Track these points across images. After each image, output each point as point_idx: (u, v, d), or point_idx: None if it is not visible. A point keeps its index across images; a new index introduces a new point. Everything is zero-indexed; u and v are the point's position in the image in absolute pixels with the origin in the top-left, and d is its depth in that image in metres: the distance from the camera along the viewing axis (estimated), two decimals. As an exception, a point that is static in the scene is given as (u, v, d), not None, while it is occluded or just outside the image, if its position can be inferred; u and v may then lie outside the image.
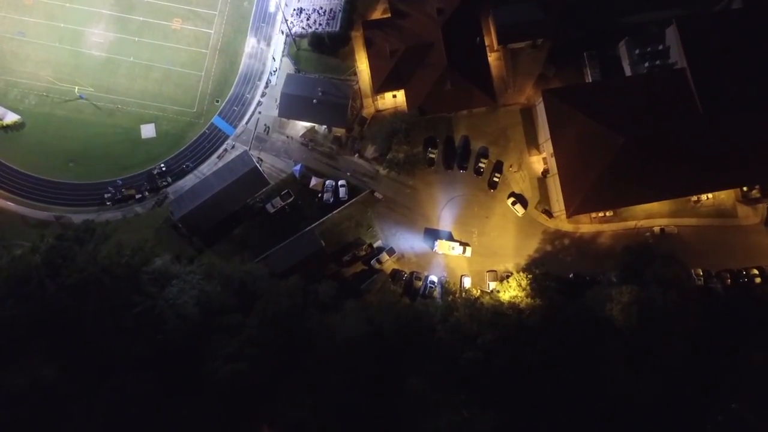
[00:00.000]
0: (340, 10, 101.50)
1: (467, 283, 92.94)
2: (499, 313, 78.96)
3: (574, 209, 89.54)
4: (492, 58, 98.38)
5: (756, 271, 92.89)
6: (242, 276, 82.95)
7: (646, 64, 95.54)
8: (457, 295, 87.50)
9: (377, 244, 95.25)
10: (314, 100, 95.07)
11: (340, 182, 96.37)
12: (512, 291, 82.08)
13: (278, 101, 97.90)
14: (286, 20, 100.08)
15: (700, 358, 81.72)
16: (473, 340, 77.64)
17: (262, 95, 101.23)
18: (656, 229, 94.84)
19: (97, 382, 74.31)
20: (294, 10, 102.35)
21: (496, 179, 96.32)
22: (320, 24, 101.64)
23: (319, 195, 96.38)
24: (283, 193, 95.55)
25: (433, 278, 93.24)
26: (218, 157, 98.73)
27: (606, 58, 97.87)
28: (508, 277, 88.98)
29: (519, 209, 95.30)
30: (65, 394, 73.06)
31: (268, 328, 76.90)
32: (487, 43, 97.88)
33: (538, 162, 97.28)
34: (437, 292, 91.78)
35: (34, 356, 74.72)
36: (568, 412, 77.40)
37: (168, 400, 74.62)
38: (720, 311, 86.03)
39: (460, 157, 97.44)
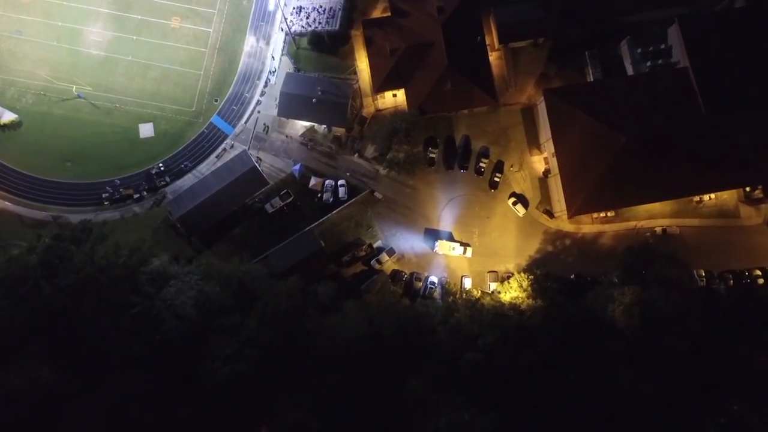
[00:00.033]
0: (339, 9, 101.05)
1: (468, 283, 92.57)
2: (500, 314, 78.56)
3: (575, 209, 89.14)
4: (493, 57, 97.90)
5: (758, 272, 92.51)
6: (241, 276, 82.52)
7: (648, 64, 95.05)
8: (457, 296, 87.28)
9: (377, 244, 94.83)
10: (314, 100, 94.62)
11: (340, 182, 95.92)
12: (513, 292, 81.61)
13: (277, 100, 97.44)
14: (286, 19, 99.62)
15: (702, 359, 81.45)
16: (474, 341, 77.27)
17: (262, 94, 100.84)
18: (658, 229, 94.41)
19: (95, 382, 74.02)
20: (293, 8, 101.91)
21: (497, 179, 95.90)
22: (320, 22, 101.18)
23: (319, 195, 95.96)
24: (282, 192, 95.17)
25: (434, 279, 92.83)
26: (217, 157, 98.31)
27: (608, 58, 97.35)
28: (509, 277, 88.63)
29: (520, 209, 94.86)
30: (63, 394, 72.73)
31: (267, 329, 76.52)
32: (487, 42, 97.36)
33: (539, 162, 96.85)
34: (437, 293, 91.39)
35: (32, 357, 74.17)
36: (569, 414, 77.08)
37: (167, 400, 74.42)
38: (722, 312, 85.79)
39: (460, 157, 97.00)
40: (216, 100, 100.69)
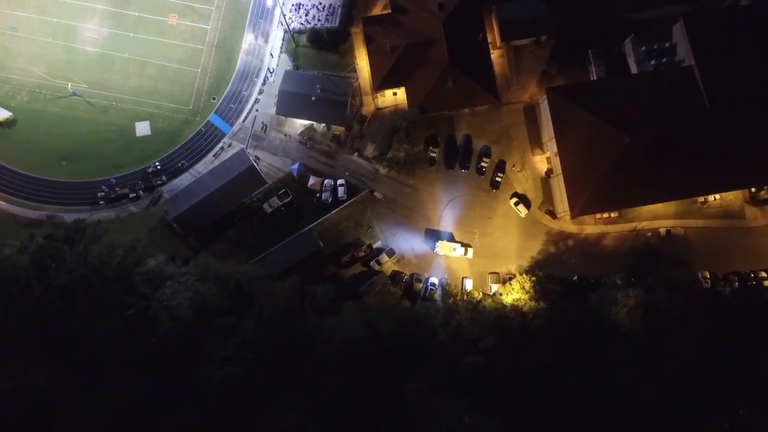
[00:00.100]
0: (339, 6, 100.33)
1: (469, 285, 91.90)
2: (502, 317, 77.74)
3: (578, 210, 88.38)
4: (494, 55, 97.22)
5: (764, 274, 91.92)
6: (238, 277, 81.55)
7: (653, 62, 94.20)
8: (458, 298, 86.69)
9: (377, 245, 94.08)
10: (313, 98, 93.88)
11: (339, 181, 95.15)
12: (515, 293, 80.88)
13: (276, 98, 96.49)
14: (285, 16, 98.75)
15: (707, 362, 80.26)
16: (475, 344, 76.37)
17: (260, 92, 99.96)
18: (662, 230, 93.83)
19: (90, 384, 72.78)
20: (292, 5, 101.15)
21: (498, 179, 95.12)
22: (319, 20, 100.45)
23: (318, 194, 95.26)
24: (280, 192, 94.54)
25: (434, 280, 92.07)
26: (214, 156, 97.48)
27: (611, 56, 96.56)
28: (510, 279, 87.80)
29: (522, 210, 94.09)
30: (57, 396, 71.53)
31: (264, 331, 75.56)
32: (489, 40, 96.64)
33: (541, 161, 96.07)
34: (438, 295, 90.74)
35: (24, 359, 72.96)
36: (572, 418, 75.94)
37: (163, 402, 73.20)
38: (727, 314, 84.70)
39: (461, 157, 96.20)
40: (214, 98, 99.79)
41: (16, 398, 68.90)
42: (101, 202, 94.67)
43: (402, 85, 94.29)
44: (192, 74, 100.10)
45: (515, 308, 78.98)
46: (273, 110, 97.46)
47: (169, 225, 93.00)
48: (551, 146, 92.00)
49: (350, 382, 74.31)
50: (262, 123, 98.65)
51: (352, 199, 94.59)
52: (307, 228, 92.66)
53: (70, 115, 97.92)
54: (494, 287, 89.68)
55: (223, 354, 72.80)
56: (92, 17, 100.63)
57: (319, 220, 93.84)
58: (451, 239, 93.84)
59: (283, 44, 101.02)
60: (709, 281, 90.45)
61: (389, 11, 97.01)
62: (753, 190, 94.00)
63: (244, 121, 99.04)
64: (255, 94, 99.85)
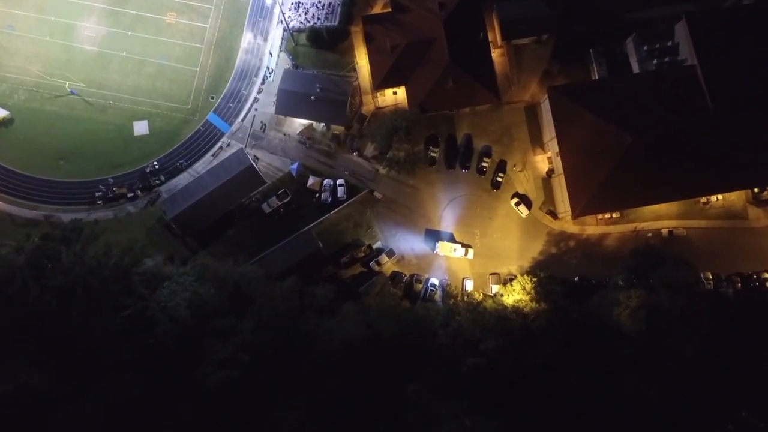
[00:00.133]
0: (339, 4, 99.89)
1: (469, 286, 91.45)
2: (503, 318, 77.24)
3: (579, 210, 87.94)
4: (495, 54, 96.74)
5: (767, 275, 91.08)
6: (237, 278, 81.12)
7: (655, 61, 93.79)
8: (458, 299, 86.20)
9: (376, 245, 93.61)
10: (312, 97, 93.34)
11: (339, 181, 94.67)
12: (516, 294, 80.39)
13: (275, 98, 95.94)
14: (284, 14, 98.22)
15: (709, 363, 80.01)
16: (475, 345, 75.85)
17: (259, 92, 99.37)
18: (664, 231, 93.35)
19: (88, 384, 72.25)
20: (292, 3, 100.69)
21: (499, 179, 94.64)
22: (319, 18, 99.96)
23: (317, 194, 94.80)
24: (279, 192, 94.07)
25: (434, 281, 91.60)
26: (213, 155, 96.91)
27: (613, 55, 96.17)
28: (511, 280, 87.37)
29: (523, 210, 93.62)
30: (55, 397, 71.04)
31: (263, 332, 75.09)
32: (490, 39, 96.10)
33: (542, 161, 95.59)
34: (438, 296, 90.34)
35: (21, 359, 72.43)
36: (573, 419, 75.43)
37: (161, 402, 72.83)
38: (730, 316, 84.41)
39: (462, 156, 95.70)
40: (212, 98, 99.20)
41: (14, 399, 68.46)
42: (99, 202, 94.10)
43: (402, 85, 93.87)
44: (190, 73, 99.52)
45: (516, 309, 78.43)
46: (272, 109, 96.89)
47: (167, 225, 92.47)
48: (552, 146, 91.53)
49: (350, 382, 73.96)
50: (261, 122, 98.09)
51: (351, 199, 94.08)
52: (306, 228, 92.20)
53: (67, 114, 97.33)
54: (495, 288, 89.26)
55: (221, 355, 72.37)
56: (90, 16, 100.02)
57: (319, 220, 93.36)
58: (452, 240, 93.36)
59: (282, 43, 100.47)
60: (712, 282, 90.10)
61: (389, 10, 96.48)
62: (756, 190, 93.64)
63: (243, 120, 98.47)
64: (254, 94, 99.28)
